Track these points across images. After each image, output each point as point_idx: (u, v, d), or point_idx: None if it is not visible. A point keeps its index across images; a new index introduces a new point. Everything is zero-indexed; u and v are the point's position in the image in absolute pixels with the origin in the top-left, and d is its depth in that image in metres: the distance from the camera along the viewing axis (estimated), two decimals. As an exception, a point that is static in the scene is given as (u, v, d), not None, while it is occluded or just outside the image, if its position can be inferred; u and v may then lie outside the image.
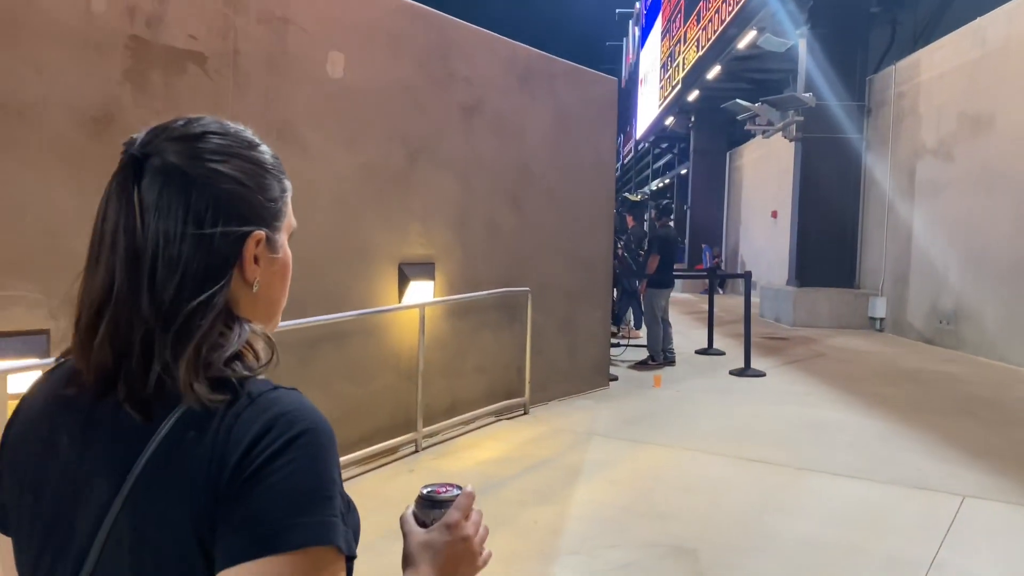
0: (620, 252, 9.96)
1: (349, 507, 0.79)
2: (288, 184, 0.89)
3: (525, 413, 6.24)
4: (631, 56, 41.57)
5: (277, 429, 0.73)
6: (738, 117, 14.30)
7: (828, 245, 13.63)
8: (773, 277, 16.92)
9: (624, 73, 45.03)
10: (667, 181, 37.28)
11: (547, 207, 6.59)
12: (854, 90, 13.56)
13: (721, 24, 17.06)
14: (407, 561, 0.88)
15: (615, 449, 5.28)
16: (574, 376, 6.96)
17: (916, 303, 11.78)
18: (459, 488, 0.93)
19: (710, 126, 23.67)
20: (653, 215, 9.24)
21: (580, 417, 6.19)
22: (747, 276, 8.68)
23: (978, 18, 10.35)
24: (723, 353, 9.61)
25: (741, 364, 8.42)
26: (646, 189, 53.42)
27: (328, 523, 0.73)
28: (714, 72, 19.01)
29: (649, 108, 30.01)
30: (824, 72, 13.60)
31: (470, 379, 5.80)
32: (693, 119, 24.24)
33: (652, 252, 8.74)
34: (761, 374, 8.25)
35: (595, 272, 7.19)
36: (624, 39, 47.20)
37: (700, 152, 24.48)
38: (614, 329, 11.65)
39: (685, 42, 22.15)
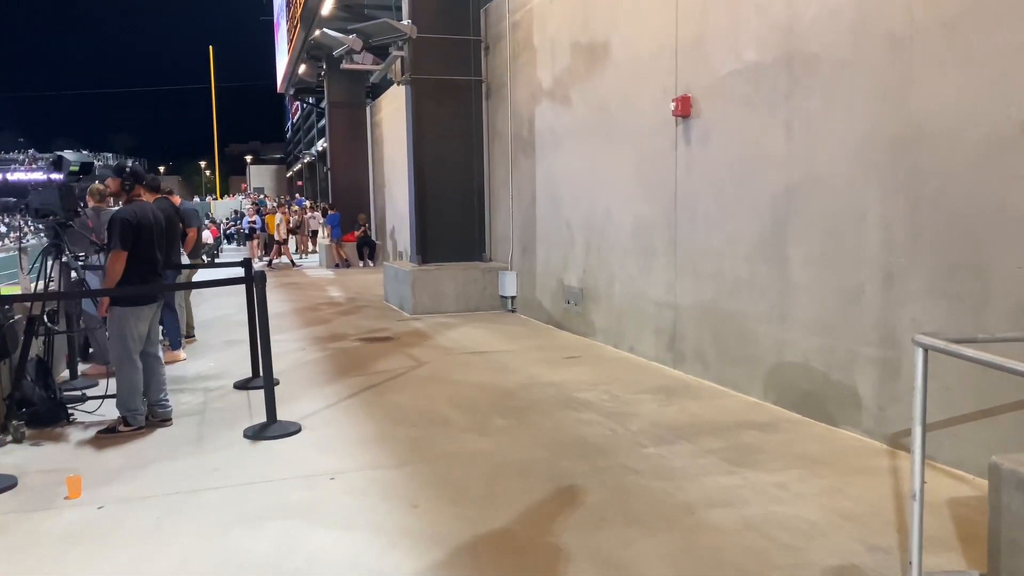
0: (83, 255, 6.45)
1: None
2: None
3: None
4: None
5: None
6: (334, 53, 11.24)
7: (451, 212, 11.20)
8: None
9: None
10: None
11: None
12: (467, 22, 11.14)
13: (323, -59, 13.80)
14: None
15: None
16: None
17: (544, 279, 9.74)
18: None
19: (347, 75, 20.33)
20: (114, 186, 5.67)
21: None
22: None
23: (585, -79, 8.23)
24: (276, 383, 6.52)
25: (287, 405, 5.46)
26: (313, 150, 49.35)
27: None
28: (328, 7, 15.79)
29: (284, 55, 26.02)
30: (432, -1, 10.99)
31: None
32: (324, 67, 20.78)
33: (113, 246, 5.27)
34: (292, 431, 5.28)
35: None
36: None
37: (337, 105, 21.15)
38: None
39: (299, -29, 18.62)
